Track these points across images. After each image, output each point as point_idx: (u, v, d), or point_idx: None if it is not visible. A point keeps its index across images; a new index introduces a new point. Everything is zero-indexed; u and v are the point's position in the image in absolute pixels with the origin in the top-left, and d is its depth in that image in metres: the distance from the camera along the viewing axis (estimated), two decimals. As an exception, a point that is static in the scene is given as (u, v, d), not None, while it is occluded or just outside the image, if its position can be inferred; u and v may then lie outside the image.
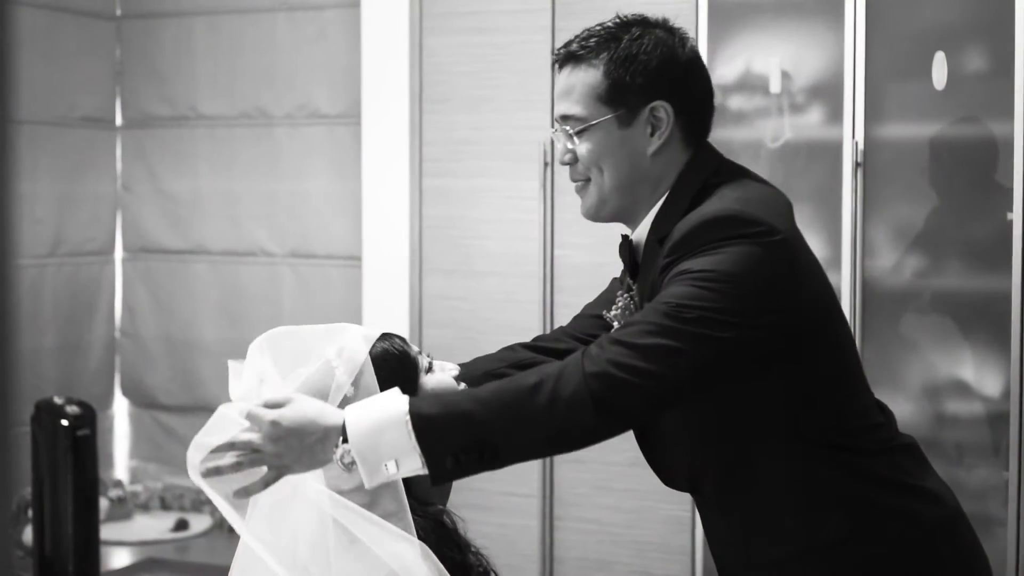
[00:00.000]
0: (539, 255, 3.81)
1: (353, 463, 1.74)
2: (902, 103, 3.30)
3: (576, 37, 2.03)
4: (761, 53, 3.44)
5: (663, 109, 1.98)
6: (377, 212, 4.16)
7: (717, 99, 3.58)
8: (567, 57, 2.02)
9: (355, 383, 1.90)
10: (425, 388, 1.99)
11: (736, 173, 2.02)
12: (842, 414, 1.95)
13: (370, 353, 1.98)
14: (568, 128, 2.00)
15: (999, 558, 3.10)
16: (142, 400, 4.95)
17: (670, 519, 3.65)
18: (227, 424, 1.80)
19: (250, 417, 1.77)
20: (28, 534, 3.89)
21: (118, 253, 4.97)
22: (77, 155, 4.80)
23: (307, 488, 1.86)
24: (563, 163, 2.04)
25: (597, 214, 2.04)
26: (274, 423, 1.75)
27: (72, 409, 3.78)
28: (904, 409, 3.21)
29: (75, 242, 4.81)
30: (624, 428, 1.87)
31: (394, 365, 1.98)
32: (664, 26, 2.03)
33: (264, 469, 1.77)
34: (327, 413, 1.77)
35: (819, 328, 1.92)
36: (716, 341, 1.79)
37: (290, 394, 1.80)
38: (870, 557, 1.93)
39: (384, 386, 1.95)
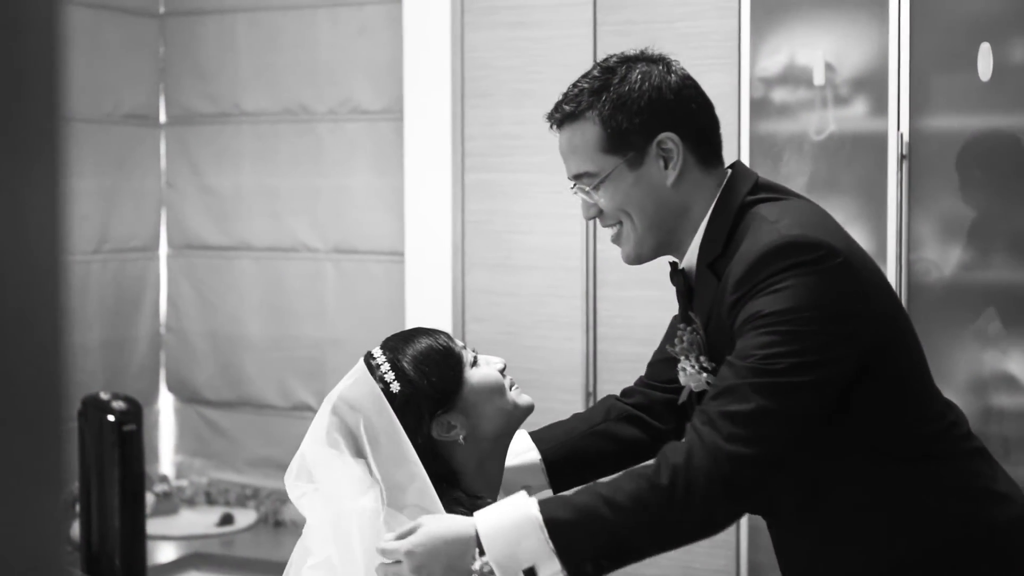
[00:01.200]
0: (581, 249, 3.80)
1: (491, 573, 1.76)
2: (947, 95, 3.27)
3: (565, 96, 2.03)
4: (804, 45, 3.42)
5: (669, 140, 1.96)
6: (419, 207, 4.17)
7: (760, 92, 3.58)
8: (562, 118, 2.01)
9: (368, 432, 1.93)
10: (470, 383, 2.00)
11: (775, 189, 2.00)
12: (919, 419, 1.94)
13: (414, 348, 1.99)
14: (584, 185, 2.00)
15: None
16: (187, 395, 4.98)
17: (714, 513, 3.63)
18: None
19: (385, 553, 1.81)
20: (75, 529, 3.92)
21: (163, 249, 5.00)
22: (121, 152, 4.83)
23: (364, 504, 1.88)
24: (589, 218, 2.05)
25: (639, 258, 2.03)
26: (410, 554, 1.78)
27: (118, 404, 3.80)
28: (950, 403, 3.19)
29: (120, 238, 4.84)
30: (761, 498, 1.88)
31: (438, 359, 1.99)
32: (646, 58, 2.02)
33: None
34: (456, 526, 1.80)
35: (892, 338, 1.91)
36: (811, 384, 1.78)
37: (415, 520, 1.83)
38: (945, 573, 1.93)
39: (428, 382, 1.96)
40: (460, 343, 2.05)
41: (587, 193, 2.01)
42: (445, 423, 1.98)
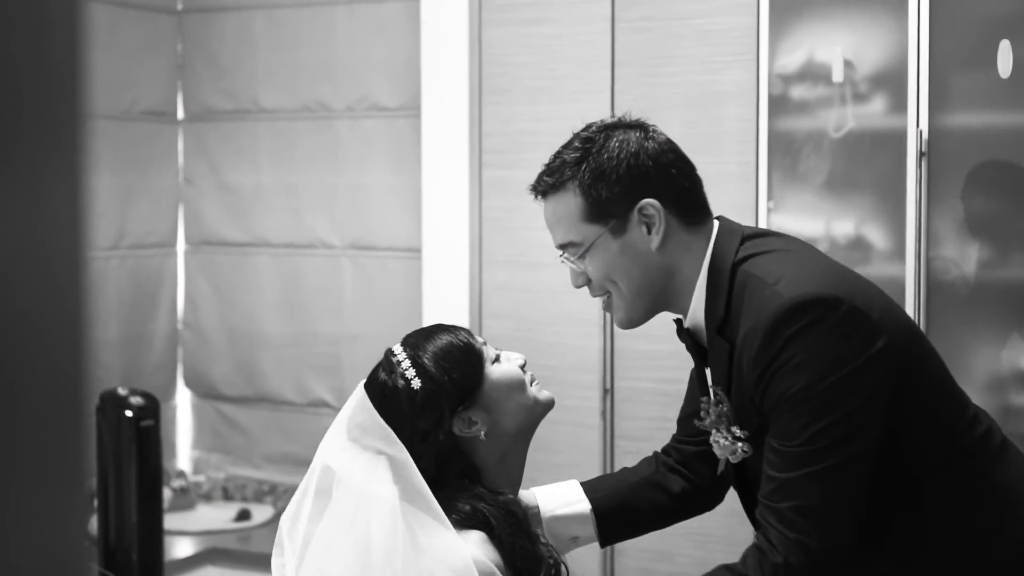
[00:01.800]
0: (599, 246, 3.80)
1: None
2: (967, 92, 3.26)
3: (547, 167, 2.03)
4: (823, 42, 3.41)
5: (650, 206, 1.96)
6: (437, 204, 4.17)
7: (779, 89, 3.57)
8: (545, 189, 2.02)
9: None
10: (491, 379, 2.00)
11: (762, 236, 2.00)
12: (953, 435, 1.95)
13: (435, 345, 2.00)
14: (570, 255, 2.01)
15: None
16: (204, 391, 5.00)
17: (734, 511, 3.61)
18: None
19: None
20: (93, 523, 3.94)
21: (180, 246, 5.02)
22: (139, 149, 4.85)
23: (382, 493, 1.88)
24: (578, 286, 2.05)
25: (631, 323, 2.04)
26: None
27: (136, 400, 3.81)
28: (969, 401, 3.18)
29: (138, 235, 4.85)
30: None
31: (459, 356, 1.99)
32: (625, 125, 2.02)
33: None
34: None
35: (911, 366, 1.92)
36: (859, 450, 1.82)
37: None
38: None
39: (449, 378, 1.96)
40: (481, 339, 2.05)
41: (574, 262, 2.01)
42: (466, 419, 1.98)
